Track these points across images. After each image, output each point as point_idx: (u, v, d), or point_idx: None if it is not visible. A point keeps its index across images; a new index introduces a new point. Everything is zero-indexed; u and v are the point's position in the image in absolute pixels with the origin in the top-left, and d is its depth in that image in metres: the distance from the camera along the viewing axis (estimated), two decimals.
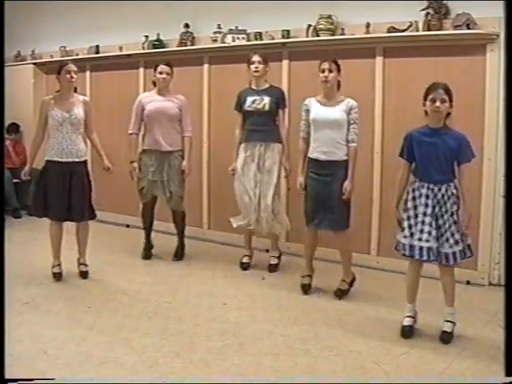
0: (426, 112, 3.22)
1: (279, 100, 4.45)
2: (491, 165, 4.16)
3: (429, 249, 3.19)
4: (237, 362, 2.99)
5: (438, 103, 3.14)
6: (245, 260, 4.70)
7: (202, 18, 5.48)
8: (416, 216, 3.26)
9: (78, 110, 4.21)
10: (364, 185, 4.54)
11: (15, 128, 6.74)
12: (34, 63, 6.75)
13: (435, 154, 3.19)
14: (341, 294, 3.99)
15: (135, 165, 4.75)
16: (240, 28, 5.17)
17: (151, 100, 4.74)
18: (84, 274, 4.38)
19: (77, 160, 4.20)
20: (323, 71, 3.82)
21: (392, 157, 3.78)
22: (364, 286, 4.20)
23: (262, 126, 4.40)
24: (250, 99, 4.43)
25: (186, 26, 5.50)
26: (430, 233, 3.20)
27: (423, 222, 3.22)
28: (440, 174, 3.21)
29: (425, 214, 3.23)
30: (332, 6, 4.69)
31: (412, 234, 3.26)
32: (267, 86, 4.49)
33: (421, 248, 3.21)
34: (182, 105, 4.76)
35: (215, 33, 5.32)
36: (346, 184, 3.83)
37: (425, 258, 3.21)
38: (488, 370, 2.89)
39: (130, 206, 5.94)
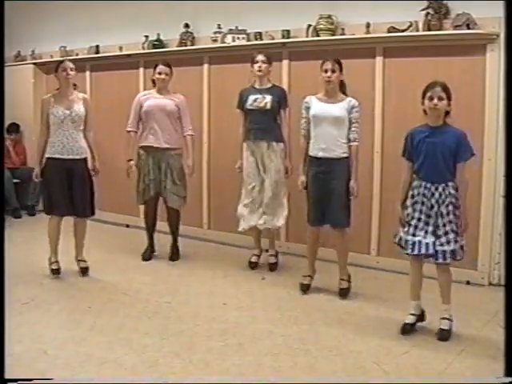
0: (425, 111, 3.23)
1: (281, 99, 4.46)
2: (491, 165, 4.16)
3: (420, 242, 3.22)
4: (237, 362, 2.99)
5: (435, 100, 3.15)
6: (253, 259, 4.71)
7: (202, 17, 5.48)
8: (412, 213, 3.29)
9: (79, 107, 4.23)
10: (364, 184, 4.52)
11: (15, 128, 6.74)
12: (34, 63, 6.75)
13: (434, 153, 3.19)
14: (344, 292, 4.00)
15: (132, 163, 4.75)
16: (240, 28, 5.17)
17: (150, 97, 4.76)
18: (84, 270, 4.39)
19: (77, 157, 4.22)
20: (326, 71, 3.82)
21: (392, 156, 3.79)
22: (364, 286, 4.20)
23: (263, 125, 4.41)
24: (251, 98, 4.45)
25: (186, 26, 5.50)
26: (422, 228, 3.23)
27: (419, 219, 3.26)
28: (438, 173, 3.21)
29: (421, 212, 3.26)
30: (332, 6, 4.69)
31: (408, 231, 3.30)
32: (270, 85, 4.50)
33: (413, 243, 3.25)
34: (181, 103, 4.77)
35: (215, 33, 5.32)
36: (352, 184, 3.84)
37: (416, 252, 3.24)
38: (488, 369, 2.89)
39: (130, 206, 5.93)
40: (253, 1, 5.04)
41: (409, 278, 3.41)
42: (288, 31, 4.93)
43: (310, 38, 4.79)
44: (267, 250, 4.85)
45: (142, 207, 5.24)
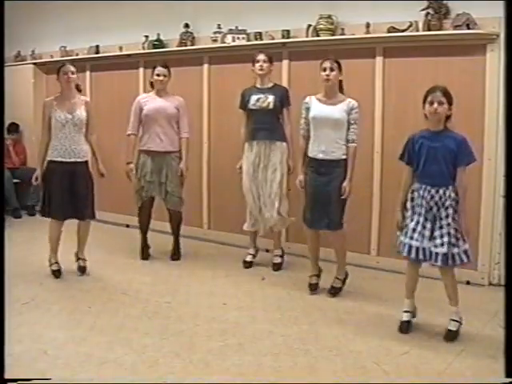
0: (426, 115, 3.22)
1: (283, 98, 4.47)
2: (491, 165, 4.16)
3: (417, 248, 3.22)
4: (237, 362, 2.99)
5: (435, 105, 3.14)
6: (248, 259, 4.71)
7: (202, 18, 5.48)
8: (411, 215, 3.29)
9: (81, 111, 4.23)
10: (364, 185, 4.54)
11: (15, 128, 6.75)
12: (34, 63, 6.75)
13: (435, 158, 3.19)
14: (334, 291, 4.01)
15: (131, 166, 4.76)
16: (240, 28, 5.17)
17: (150, 100, 4.76)
18: (83, 269, 4.39)
19: (79, 160, 4.23)
20: (325, 70, 3.82)
21: (392, 157, 3.78)
22: (364, 286, 4.20)
23: (266, 125, 4.42)
24: (254, 97, 4.45)
25: (186, 26, 5.50)
26: (420, 232, 3.23)
27: (417, 222, 3.26)
28: (439, 177, 3.20)
29: (419, 215, 3.25)
30: (332, 6, 4.69)
31: (406, 233, 3.30)
32: (271, 84, 4.52)
33: (410, 246, 3.25)
34: (180, 106, 4.78)
35: (215, 33, 5.32)
36: (345, 184, 3.84)
37: (412, 256, 3.25)
38: (488, 369, 2.89)
39: (130, 206, 5.91)
40: (253, 1, 5.04)
41: (405, 276, 3.43)
42: (288, 31, 4.93)
43: (309, 38, 4.79)
44: (267, 250, 4.86)
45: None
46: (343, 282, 4.06)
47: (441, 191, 3.20)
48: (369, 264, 4.66)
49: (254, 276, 4.50)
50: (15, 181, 6.55)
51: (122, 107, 5.38)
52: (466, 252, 3.24)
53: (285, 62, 5.01)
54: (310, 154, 3.93)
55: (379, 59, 4.55)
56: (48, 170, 4.22)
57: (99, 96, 6.16)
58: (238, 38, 5.16)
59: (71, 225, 4.38)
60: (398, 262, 4.23)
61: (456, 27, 4.16)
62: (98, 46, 6.22)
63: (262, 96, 4.44)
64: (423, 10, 4.27)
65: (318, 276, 4.12)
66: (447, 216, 3.19)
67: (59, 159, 4.18)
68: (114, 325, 3.46)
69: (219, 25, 5.29)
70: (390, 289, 4.14)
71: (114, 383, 2.73)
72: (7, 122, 6.52)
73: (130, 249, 5.13)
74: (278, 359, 3.03)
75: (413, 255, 3.24)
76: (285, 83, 4.93)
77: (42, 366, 2.87)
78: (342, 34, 4.66)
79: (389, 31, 4.43)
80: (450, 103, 3.17)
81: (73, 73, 4.21)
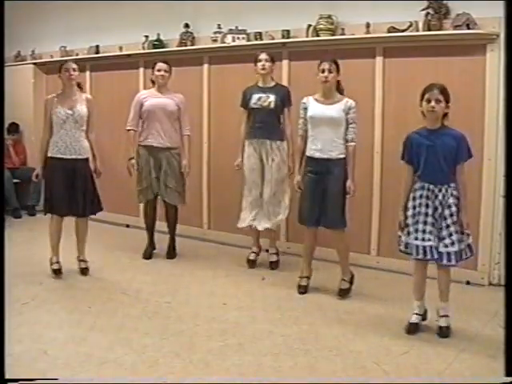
0: (423, 113, 3.22)
1: (285, 98, 4.48)
2: (491, 165, 4.16)
3: (431, 247, 3.21)
4: (237, 362, 2.99)
5: (432, 103, 3.15)
6: (251, 257, 4.72)
7: (202, 18, 5.48)
8: (414, 215, 3.27)
9: (82, 108, 4.24)
10: (364, 185, 4.54)
11: (15, 128, 6.74)
12: (34, 63, 6.75)
13: (435, 156, 3.19)
14: (343, 293, 4.00)
15: (133, 161, 4.76)
16: (240, 28, 5.17)
17: (150, 97, 4.76)
18: (85, 271, 4.40)
19: (79, 157, 4.24)
20: (323, 71, 3.83)
21: (392, 156, 3.79)
22: (364, 286, 4.20)
23: (267, 123, 4.44)
24: (255, 96, 4.47)
25: (186, 26, 5.50)
26: (431, 232, 3.21)
27: (425, 223, 3.23)
28: (440, 175, 3.21)
29: (426, 215, 3.24)
30: (332, 6, 4.69)
31: (409, 233, 3.28)
32: (273, 84, 4.53)
33: (424, 247, 3.22)
34: (181, 103, 4.78)
35: (215, 33, 5.32)
36: (349, 183, 3.85)
37: (428, 257, 3.23)
38: (488, 369, 2.89)
39: (130, 206, 5.94)
40: (253, 1, 5.04)
41: (412, 278, 3.41)
42: (288, 31, 4.93)
43: (309, 38, 4.79)
44: (267, 250, 4.86)
45: (141, 207, 5.24)
46: (350, 282, 4.05)
47: (443, 190, 3.21)
48: (369, 264, 4.66)
49: (253, 276, 4.50)
50: (15, 181, 6.55)
51: (122, 107, 5.37)
52: (469, 246, 3.25)
53: (285, 62, 5.01)
54: (308, 153, 3.95)
55: (379, 59, 4.55)
56: (48, 167, 4.23)
57: (99, 96, 6.12)
58: (238, 37, 5.16)
59: (70, 225, 4.38)
60: (398, 262, 4.25)
61: (456, 27, 4.16)
62: (98, 46, 6.22)
63: (263, 95, 4.45)
64: (423, 9, 4.27)
65: (309, 278, 4.11)
66: (451, 214, 3.19)
67: (59, 156, 4.18)
68: (114, 325, 3.46)
69: (219, 25, 5.29)
70: (390, 289, 4.15)
71: (113, 383, 2.73)
72: (7, 122, 6.51)
73: (130, 249, 5.13)
74: (277, 359, 3.03)
75: (428, 256, 3.21)
76: (285, 83, 4.92)
77: (41, 366, 2.87)
78: (342, 34, 4.66)
79: (389, 31, 4.43)
80: (447, 101, 3.17)
81: (74, 70, 4.22)
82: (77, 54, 6.33)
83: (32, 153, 6.51)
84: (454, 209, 3.20)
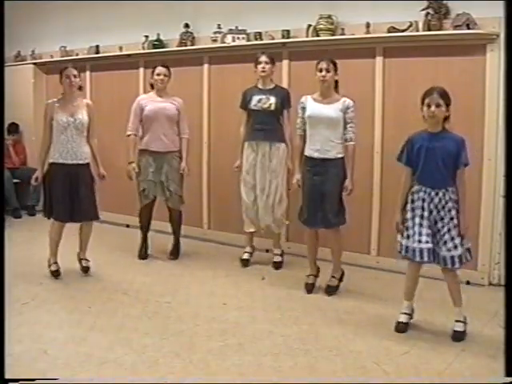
0: (424, 117, 3.22)
1: (284, 100, 4.49)
2: (491, 165, 4.16)
3: (428, 250, 3.20)
4: (237, 362, 2.99)
5: (432, 108, 3.14)
6: (245, 256, 4.73)
7: (202, 18, 5.48)
8: (413, 218, 3.27)
9: (83, 115, 4.23)
10: (364, 185, 4.54)
11: (15, 128, 6.74)
12: (34, 63, 6.75)
13: (434, 159, 3.19)
14: (331, 290, 4.02)
15: (134, 165, 4.76)
16: (240, 28, 5.17)
17: (150, 101, 4.77)
18: (86, 269, 4.40)
19: (81, 162, 4.23)
20: (321, 71, 3.85)
21: (392, 157, 3.77)
22: (364, 286, 4.20)
23: (267, 125, 4.45)
24: (255, 98, 4.47)
25: (186, 26, 5.50)
26: (428, 235, 3.21)
27: (421, 225, 3.23)
28: (439, 178, 3.20)
29: (422, 217, 3.24)
30: (332, 6, 4.69)
31: (408, 236, 3.28)
32: (273, 85, 4.55)
33: (421, 250, 3.22)
34: (180, 107, 4.80)
35: (215, 33, 5.32)
36: (347, 183, 3.86)
37: (425, 259, 3.22)
38: (488, 369, 2.89)
39: (130, 206, 5.93)
40: (253, 1, 5.04)
41: (405, 278, 3.42)
42: (288, 31, 4.93)
43: (309, 38, 4.79)
44: (267, 251, 4.86)
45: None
46: (340, 279, 4.07)
47: (440, 193, 3.20)
48: (369, 264, 4.66)
49: (253, 276, 4.50)
50: (15, 181, 6.55)
51: (122, 107, 5.37)
52: (468, 250, 3.25)
53: (285, 62, 5.01)
54: (306, 153, 3.97)
55: (379, 59, 4.55)
56: (49, 172, 4.22)
57: (99, 96, 6.15)
58: (238, 37, 5.16)
59: (71, 225, 4.37)
60: (397, 262, 4.23)
61: (456, 27, 4.16)
62: (97, 46, 6.22)
63: (263, 97, 4.46)
64: (423, 9, 4.27)
65: (316, 276, 4.13)
66: (452, 218, 3.19)
67: (61, 161, 4.18)
68: (114, 325, 3.46)
69: (219, 25, 5.29)
70: (389, 289, 4.14)
71: (113, 383, 2.73)
72: (7, 122, 6.51)
73: (130, 249, 5.13)
74: (277, 359, 3.03)
75: (425, 258, 3.21)
76: (285, 83, 4.93)
77: (41, 366, 2.87)
78: (342, 34, 4.66)
79: (389, 31, 4.43)
80: (447, 104, 3.16)
81: (75, 76, 4.20)
82: (77, 54, 6.33)
83: (32, 153, 6.52)
84: (453, 212, 3.19)
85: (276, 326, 3.49)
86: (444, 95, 3.16)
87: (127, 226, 6.06)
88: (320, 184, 3.88)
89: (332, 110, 3.87)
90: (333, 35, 4.70)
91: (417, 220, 3.25)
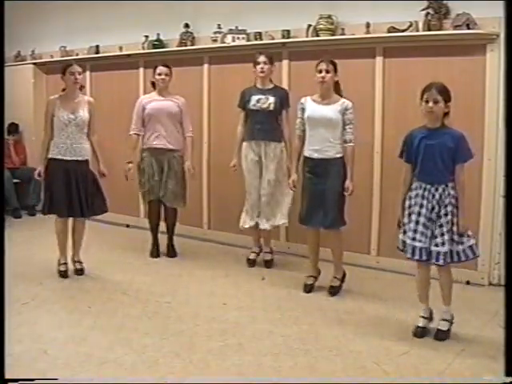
0: (423, 112, 3.22)
1: (283, 100, 4.50)
2: (491, 165, 4.16)
3: (421, 249, 3.19)
4: (237, 362, 2.99)
5: (430, 104, 3.13)
6: (252, 257, 4.74)
7: (202, 18, 5.48)
8: (410, 215, 3.27)
9: (84, 112, 4.24)
10: (364, 185, 4.54)
11: (15, 128, 6.74)
12: (34, 63, 6.75)
13: (433, 155, 3.18)
14: (334, 290, 4.03)
15: (131, 165, 4.77)
16: (240, 28, 5.17)
17: (152, 100, 4.79)
18: (80, 272, 4.38)
19: (80, 159, 4.24)
20: (320, 72, 3.85)
21: (392, 156, 3.78)
22: (364, 286, 4.20)
23: (265, 125, 4.46)
24: (254, 98, 4.48)
25: (186, 26, 5.50)
26: (422, 233, 3.20)
27: (417, 222, 3.23)
28: (438, 174, 3.19)
29: (419, 214, 3.23)
30: (332, 6, 4.69)
31: (405, 232, 3.28)
32: (272, 85, 4.55)
33: (413, 247, 3.22)
34: (182, 105, 4.82)
35: (215, 33, 5.32)
36: (347, 183, 3.86)
37: (416, 257, 3.22)
38: (488, 369, 2.89)
39: (130, 206, 5.95)
40: (253, 1, 5.04)
41: (413, 279, 3.40)
42: (288, 31, 4.93)
43: (309, 38, 4.79)
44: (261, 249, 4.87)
45: (142, 208, 5.24)
46: (341, 280, 4.07)
47: (440, 189, 3.19)
48: (369, 264, 4.66)
49: (253, 276, 4.50)
50: (15, 181, 6.55)
51: (122, 107, 5.38)
52: (471, 248, 3.21)
53: (285, 62, 5.01)
54: (306, 154, 3.98)
55: (379, 59, 4.54)
56: (49, 168, 4.24)
57: (99, 96, 6.12)
58: (238, 37, 5.16)
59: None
60: (398, 262, 4.24)
61: (456, 27, 4.16)
62: (97, 46, 6.22)
63: (262, 97, 4.46)
64: (423, 9, 4.27)
65: (315, 278, 4.13)
66: (446, 214, 3.17)
67: (60, 157, 4.19)
68: (114, 325, 3.46)
69: (219, 25, 5.29)
70: (390, 289, 4.15)
71: (113, 383, 2.73)
72: (7, 122, 6.51)
73: (131, 249, 5.13)
74: (277, 359, 3.03)
75: (417, 256, 3.21)
76: (285, 83, 4.94)
77: (41, 366, 2.87)
78: (342, 34, 4.66)
79: (389, 31, 4.42)
80: (446, 100, 3.15)
81: (80, 73, 4.23)
82: (77, 54, 6.33)
83: (32, 153, 6.52)
84: (449, 208, 3.17)
85: (276, 326, 3.49)
86: (443, 91, 3.15)
87: (127, 225, 6.06)
88: (320, 184, 3.89)
89: (331, 111, 3.87)
90: (333, 35, 4.70)
91: (413, 217, 3.24)
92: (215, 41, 5.33)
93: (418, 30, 4.32)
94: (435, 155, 3.17)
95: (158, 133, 4.72)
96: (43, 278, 4.27)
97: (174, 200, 4.80)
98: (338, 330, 3.42)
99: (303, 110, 3.97)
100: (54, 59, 6.43)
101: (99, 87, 6.27)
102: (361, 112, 4.15)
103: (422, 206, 3.22)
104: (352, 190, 3.89)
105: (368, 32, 4.52)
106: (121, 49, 6.00)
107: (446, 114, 3.20)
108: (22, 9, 6.49)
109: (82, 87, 4.40)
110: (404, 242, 3.30)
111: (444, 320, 3.29)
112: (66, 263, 4.34)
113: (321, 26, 4.71)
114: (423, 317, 3.35)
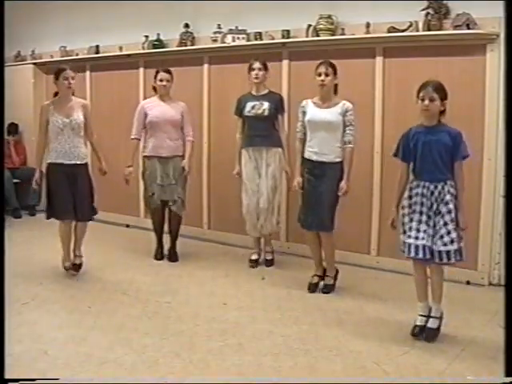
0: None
1: (278, 105, 4.53)
2: (491, 165, 4.16)
3: (424, 247, 3.18)
4: (237, 362, 2.99)
5: (426, 102, 3.13)
6: (254, 257, 4.75)
7: (202, 18, 5.48)
8: (410, 214, 3.26)
9: (78, 115, 4.24)
10: (364, 185, 4.54)
11: (15, 128, 6.74)
12: (34, 63, 6.75)
13: (430, 153, 3.18)
14: (328, 288, 4.05)
15: (131, 169, 4.77)
16: (240, 28, 5.17)
17: (154, 106, 4.78)
18: (78, 266, 4.37)
19: (78, 162, 4.24)
20: (320, 75, 3.86)
21: (392, 157, 3.79)
22: (364, 286, 4.20)
23: (262, 131, 4.49)
24: (249, 105, 4.51)
25: (186, 26, 5.50)
26: (425, 231, 3.19)
27: (419, 221, 3.22)
28: (436, 172, 3.19)
29: (421, 213, 3.22)
30: (332, 6, 4.69)
31: (405, 232, 3.27)
32: (266, 91, 4.58)
33: (416, 246, 3.20)
34: (184, 110, 4.82)
35: (215, 33, 5.32)
36: (342, 184, 3.87)
37: (420, 256, 3.20)
38: (488, 370, 2.89)
39: (130, 206, 5.95)
40: (253, 1, 5.04)
41: (413, 279, 3.38)
42: (288, 31, 4.93)
43: (309, 38, 4.79)
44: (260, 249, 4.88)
45: (142, 208, 5.24)
46: (334, 278, 4.09)
47: (439, 186, 3.18)
48: (369, 264, 4.66)
49: (253, 276, 4.50)
50: (15, 181, 6.55)
51: (122, 107, 5.38)
52: (459, 250, 3.19)
53: (285, 62, 5.01)
54: (305, 155, 4.00)
55: (379, 59, 4.55)
56: (49, 173, 4.24)
57: (99, 96, 6.16)
58: (238, 37, 5.16)
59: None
60: (398, 262, 4.24)
61: (456, 27, 4.16)
62: (98, 46, 6.22)
63: (257, 103, 4.49)
64: (423, 9, 4.27)
65: (320, 277, 4.13)
66: (449, 211, 3.15)
67: (59, 161, 4.19)
68: (114, 325, 3.46)
69: (219, 25, 5.29)
70: (389, 289, 4.15)
71: (113, 383, 2.73)
72: (7, 122, 6.51)
73: (131, 249, 5.14)
74: (277, 359, 3.03)
75: (420, 255, 3.18)
76: (285, 83, 4.94)
77: (41, 366, 2.87)
78: (342, 34, 4.66)
79: (389, 31, 4.43)
80: (442, 98, 3.14)
81: (73, 78, 4.21)
82: (77, 54, 6.33)
83: (32, 153, 6.49)
84: (451, 206, 3.16)
85: (276, 325, 3.49)
86: (439, 89, 3.15)
87: (127, 225, 6.06)
88: (317, 186, 3.91)
89: (331, 114, 3.88)
90: (333, 35, 4.70)
91: (415, 216, 3.23)
92: (215, 41, 5.34)
93: (418, 30, 4.33)
94: (433, 152, 3.17)
95: (161, 140, 4.71)
96: (43, 278, 4.28)
97: (180, 207, 4.80)
98: (338, 330, 3.42)
99: (304, 113, 3.98)
100: (54, 59, 6.43)
101: (99, 87, 6.28)
102: (361, 112, 4.15)
103: (422, 204, 3.22)
104: (346, 191, 3.89)
105: (368, 32, 4.52)
106: (121, 49, 6.00)
107: (443, 112, 3.20)
108: (22, 9, 6.49)
109: (73, 93, 4.38)
110: (405, 242, 3.29)
111: (434, 318, 3.27)
112: (70, 262, 4.36)
113: (321, 26, 4.71)
114: (422, 315, 3.34)
